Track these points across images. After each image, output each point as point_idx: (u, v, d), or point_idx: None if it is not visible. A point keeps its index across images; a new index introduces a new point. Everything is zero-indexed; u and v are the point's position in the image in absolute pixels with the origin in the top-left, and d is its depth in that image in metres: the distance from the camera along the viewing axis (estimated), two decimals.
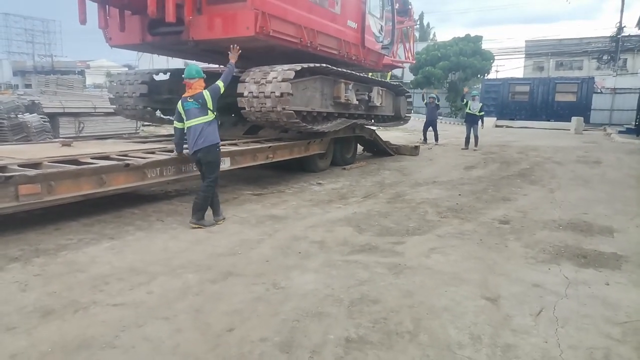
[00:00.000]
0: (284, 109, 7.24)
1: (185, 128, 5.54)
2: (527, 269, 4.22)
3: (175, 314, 3.25)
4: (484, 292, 3.69)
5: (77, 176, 5.01)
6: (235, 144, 7.73)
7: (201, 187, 5.54)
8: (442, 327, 3.11)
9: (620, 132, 20.88)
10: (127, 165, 5.53)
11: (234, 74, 6.03)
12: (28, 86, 39.45)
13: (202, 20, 7.14)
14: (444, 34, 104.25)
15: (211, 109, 5.42)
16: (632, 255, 4.61)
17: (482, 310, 3.38)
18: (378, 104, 10.79)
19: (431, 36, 53.49)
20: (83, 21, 7.00)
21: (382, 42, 11.09)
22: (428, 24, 56.74)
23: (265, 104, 7.27)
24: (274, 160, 7.94)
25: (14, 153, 5.83)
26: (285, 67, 7.36)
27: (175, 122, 5.75)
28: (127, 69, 37.54)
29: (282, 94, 7.12)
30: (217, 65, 11.35)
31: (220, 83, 5.55)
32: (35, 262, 4.18)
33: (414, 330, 3.06)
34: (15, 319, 3.11)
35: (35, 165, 5.21)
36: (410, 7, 14.08)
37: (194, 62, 9.55)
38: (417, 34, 16.04)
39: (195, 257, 4.44)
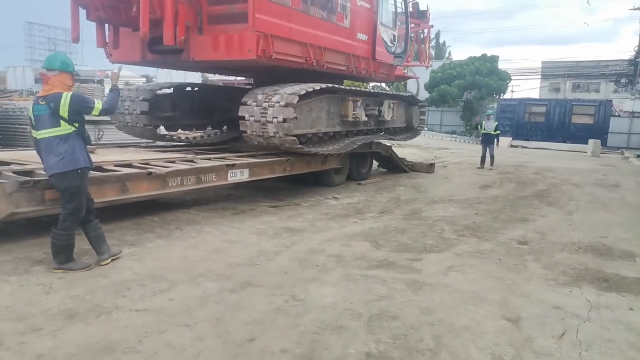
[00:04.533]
0: (286, 135, 6.96)
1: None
2: (547, 291, 4.18)
3: (196, 321, 3.28)
4: (504, 313, 3.66)
5: (102, 183, 5.10)
6: (253, 156, 7.81)
7: (58, 224, 4.13)
8: (464, 346, 3.09)
9: (638, 156, 20.63)
10: (150, 173, 5.62)
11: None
12: None
13: (202, 41, 6.95)
14: (460, 52, 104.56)
15: (66, 118, 3.99)
16: None
17: (503, 330, 3.35)
18: (388, 119, 10.42)
19: (447, 55, 53.65)
20: (76, 39, 6.85)
21: (394, 52, 10.68)
22: (444, 43, 56.87)
23: (268, 132, 7.06)
24: (291, 173, 8.00)
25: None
26: (288, 90, 7.05)
27: (32, 130, 4.19)
28: (144, 79, 38.07)
29: (284, 119, 6.87)
30: (232, 78, 11.17)
31: (98, 104, 4.20)
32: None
33: (435, 348, 3.05)
34: (40, 320, 3.17)
35: None
36: (427, 9, 13.78)
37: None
38: (432, 36, 15.36)
39: (214, 266, 4.48)
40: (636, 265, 5.04)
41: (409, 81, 32.79)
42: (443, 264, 4.84)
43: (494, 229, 6.42)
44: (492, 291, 4.10)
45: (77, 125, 4.10)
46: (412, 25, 12.24)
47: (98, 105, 4.19)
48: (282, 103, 6.92)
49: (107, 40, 7.47)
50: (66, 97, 3.98)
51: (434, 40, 53.21)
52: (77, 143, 4.11)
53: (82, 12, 6.70)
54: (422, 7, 13.49)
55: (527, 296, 4.03)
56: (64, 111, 3.96)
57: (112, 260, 4.42)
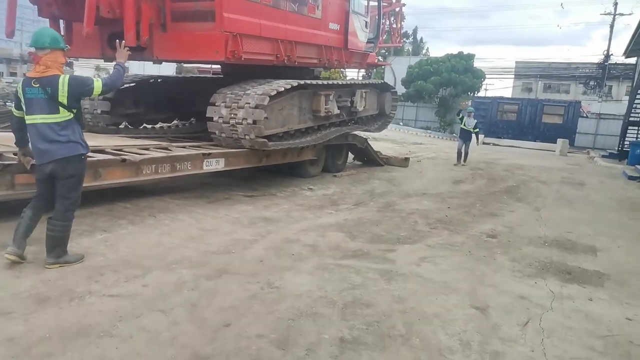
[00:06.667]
0: (257, 136, 6.69)
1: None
2: (514, 282, 4.34)
3: (172, 307, 3.29)
4: (473, 302, 3.79)
5: None
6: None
7: (56, 214, 3.89)
8: (433, 333, 3.20)
9: (603, 156, 21.40)
10: (124, 160, 5.54)
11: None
12: (13, 74, 38.80)
13: (166, 39, 6.51)
14: (437, 49, 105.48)
15: (65, 105, 3.72)
16: (614, 274, 4.77)
17: (471, 318, 3.48)
18: (361, 109, 10.19)
19: (424, 51, 54.15)
20: (10, 34, 6.40)
21: (366, 39, 10.35)
22: (421, 39, 57.37)
23: (238, 136, 6.83)
24: (267, 164, 7.99)
25: (8, 141, 5.78)
26: (258, 92, 6.67)
27: (13, 109, 4.04)
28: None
29: (255, 121, 6.60)
30: (208, 66, 10.42)
31: (97, 83, 3.93)
32: (28, 250, 4.14)
33: (407, 334, 3.14)
34: (10, 304, 3.12)
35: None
36: None
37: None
38: (404, 19, 14.40)
39: (189, 253, 4.47)
40: (597, 260, 5.28)
41: (385, 72, 32.84)
42: (415, 255, 4.96)
43: (465, 223, 6.60)
44: (461, 281, 4.24)
45: (75, 110, 3.83)
46: (385, 4, 11.76)
47: (97, 84, 3.89)
48: (251, 110, 6.56)
49: (63, 35, 6.89)
50: (64, 82, 3.68)
51: (412, 37, 53.73)
52: (77, 128, 3.87)
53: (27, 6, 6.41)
54: None
55: (495, 286, 4.18)
56: (62, 97, 3.68)
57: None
